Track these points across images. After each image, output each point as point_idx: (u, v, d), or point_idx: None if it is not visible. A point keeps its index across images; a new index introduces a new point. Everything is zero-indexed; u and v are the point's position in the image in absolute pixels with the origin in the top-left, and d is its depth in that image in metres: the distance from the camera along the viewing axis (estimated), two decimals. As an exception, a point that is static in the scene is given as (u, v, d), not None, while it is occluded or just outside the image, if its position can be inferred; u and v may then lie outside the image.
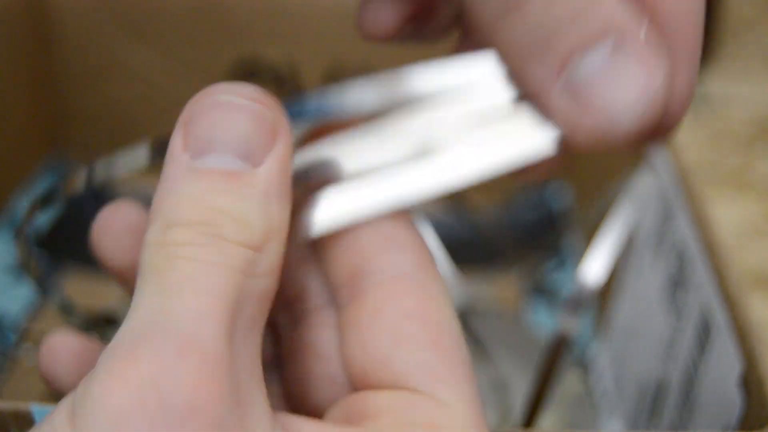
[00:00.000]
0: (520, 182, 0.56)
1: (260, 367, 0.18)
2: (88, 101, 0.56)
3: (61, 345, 0.25)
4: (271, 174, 0.19)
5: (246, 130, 0.18)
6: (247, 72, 0.54)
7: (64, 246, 0.53)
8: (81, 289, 0.50)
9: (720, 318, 0.29)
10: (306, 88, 0.55)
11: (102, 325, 0.47)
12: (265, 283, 0.18)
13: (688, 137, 0.65)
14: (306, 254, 0.22)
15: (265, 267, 0.18)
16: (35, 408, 0.24)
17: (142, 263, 0.18)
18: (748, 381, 0.27)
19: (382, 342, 0.19)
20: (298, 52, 0.54)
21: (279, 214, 0.19)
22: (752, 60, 0.76)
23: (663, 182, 0.37)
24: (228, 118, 0.18)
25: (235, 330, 0.17)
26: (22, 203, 0.54)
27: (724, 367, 0.28)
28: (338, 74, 0.54)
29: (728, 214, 0.58)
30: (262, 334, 0.19)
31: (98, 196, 0.56)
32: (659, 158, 0.38)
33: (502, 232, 0.55)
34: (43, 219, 0.54)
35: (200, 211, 0.18)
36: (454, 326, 0.20)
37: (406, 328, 0.19)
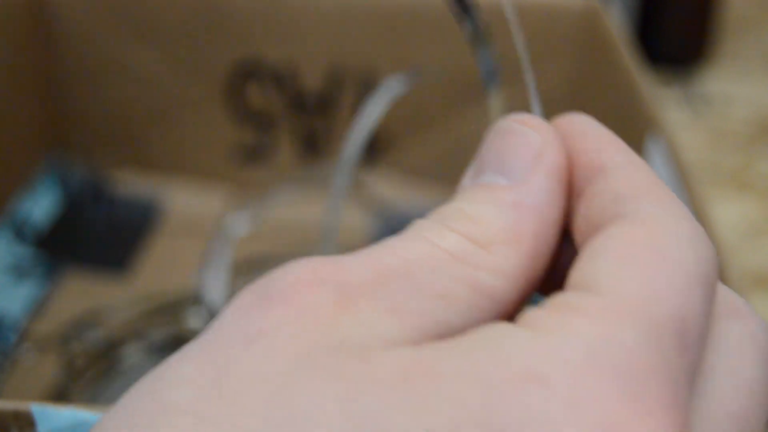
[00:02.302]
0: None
1: None
2: (88, 101, 0.56)
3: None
4: (527, 188, 0.19)
5: (507, 151, 0.20)
6: (247, 72, 0.54)
7: (64, 246, 0.53)
8: (81, 289, 0.50)
9: (720, 318, 0.29)
10: (306, 88, 0.55)
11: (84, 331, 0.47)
12: (494, 281, 0.19)
13: (688, 137, 0.65)
14: None
15: (491, 265, 0.19)
16: (35, 408, 0.24)
17: None
18: (748, 381, 0.27)
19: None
20: (298, 52, 0.54)
21: (528, 226, 0.19)
22: (752, 60, 0.76)
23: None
24: (497, 141, 0.20)
25: None
26: (22, 203, 0.54)
27: (724, 367, 0.28)
28: (338, 74, 0.54)
29: (728, 214, 0.58)
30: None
31: (98, 197, 0.56)
32: (659, 158, 0.38)
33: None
34: (43, 219, 0.54)
35: (447, 208, 0.19)
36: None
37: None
